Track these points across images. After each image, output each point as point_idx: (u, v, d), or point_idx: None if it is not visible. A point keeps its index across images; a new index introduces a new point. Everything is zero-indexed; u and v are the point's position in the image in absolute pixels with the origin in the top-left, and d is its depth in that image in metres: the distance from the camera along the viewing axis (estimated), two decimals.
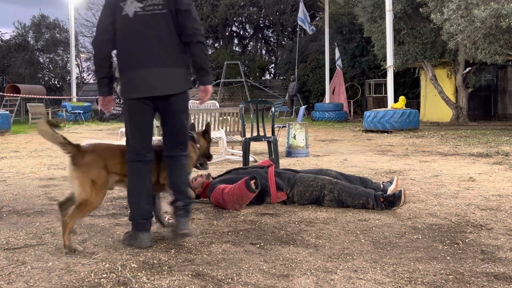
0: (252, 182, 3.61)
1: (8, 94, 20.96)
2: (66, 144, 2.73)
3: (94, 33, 2.91)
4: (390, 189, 3.95)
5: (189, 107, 3.13)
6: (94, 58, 2.96)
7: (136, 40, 2.79)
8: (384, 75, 16.45)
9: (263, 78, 30.80)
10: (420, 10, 13.52)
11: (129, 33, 2.80)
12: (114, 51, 2.94)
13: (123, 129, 7.79)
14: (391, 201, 3.67)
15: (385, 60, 14.05)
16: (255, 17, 32.57)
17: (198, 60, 2.84)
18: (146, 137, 2.88)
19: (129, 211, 2.93)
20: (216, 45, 33.63)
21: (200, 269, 2.45)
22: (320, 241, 2.93)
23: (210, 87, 2.93)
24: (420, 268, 2.45)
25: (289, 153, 7.55)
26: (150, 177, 2.90)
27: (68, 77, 27.35)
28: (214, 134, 6.98)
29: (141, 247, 2.78)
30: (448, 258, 2.60)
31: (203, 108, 9.36)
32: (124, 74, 2.84)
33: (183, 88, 2.87)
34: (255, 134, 5.89)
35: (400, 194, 3.67)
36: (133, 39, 2.80)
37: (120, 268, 2.47)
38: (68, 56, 25.69)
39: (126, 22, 2.79)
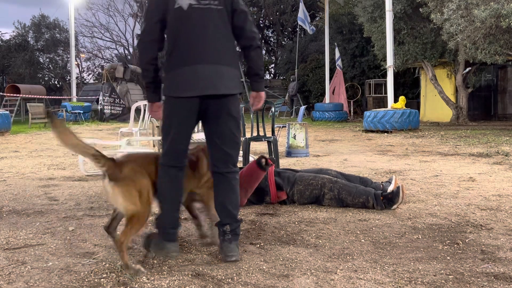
0: (263, 160, 3.49)
1: (8, 94, 20.97)
2: (99, 157, 2.46)
3: (140, 33, 2.72)
4: (390, 189, 3.95)
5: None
6: (140, 61, 2.72)
7: (190, 34, 2.54)
8: (384, 75, 16.45)
9: None
10: (420, 10, 13.52)
11: (182, 26, 2.55)
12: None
13: (123, 129, 7.83)
14: (390, 199, 3.68)
15: (385, 60, 14.05)
16: (255, 17, 32.57)
17: (254, 65, 2.66)
18: (186, 141, 2.63)
19: (156, 218, 2.69)
20: None
21: (200, 269, 2.45)
22: (320, 241, 2.93)
23: (263, 94, 2.75)
24: (420, 268, 2.45)
25: (289, 153, 7.55)
26: (183, 184, 2.68)
27: (68, 77, 27.37)
28: None
29: (168, 258, 2.59)
30: (448, 258, 2.60)
31: None
32: (173, 70, 2.57)
33: (238, 90, 2.62)
34: (255, 134, 5.89)
35: (398, 191, 3.68)
36: (186, 33, 2.55)
37: (120, 268, 2.47)
38: (68, 56, 25.71)
39: (179, 15, 2.54)
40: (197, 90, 2.51)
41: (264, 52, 35.20)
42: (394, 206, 3.69)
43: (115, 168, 2.48)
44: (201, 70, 2.52)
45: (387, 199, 3.68)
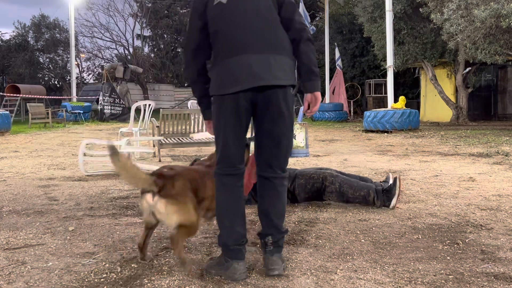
0: None
1: (8, 94, 20.97)
2: (150, 180, 2.27)
3: (183, 46, 2.67)
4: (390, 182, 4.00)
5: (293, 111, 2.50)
6: (187, 73, 2.50)
7: (231, 24, 2.30)
8: (384, 75, 16.45)
9: None
10: (420, 10, 13.53)
11: (223, 20, 2.33)
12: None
13: (123, 129, 7.83)
14: (388, 190, 3.72)
15: (385, 60, 14.05)
16: None
17: (307, 60, 2.37)
18: (242, 144, 2.36)
19: (218, 235, 2.41)
20: None
21: (201, 269, 2.45)
22: (320, 241, 2.93)
23: (319, 95, 2.42)
24: (420, 268, 2.45)
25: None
26: (243, 193, 2.40)
27: (68, 77, 27.38)
28: None
29: (234, 279, 2.28)
30: (448, 258, 2.60)
31: None
32: (216, 66, 2.34)
33: (289, 81, 2.32)
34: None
35: (396, 181, 3.74)
36: (227, 25, 2.31)
37: (120, 269, 2.47)
38: (68, 56, 25.71)
39: (220, 10, 2.33)
40: (241, 83, 2.23)
41: None
42: (394, 200, 3.70)
43: (167, 185, 2.29)
44: (245, 60, 2.25)
45: (386, 191, 3.72)
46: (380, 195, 3.71)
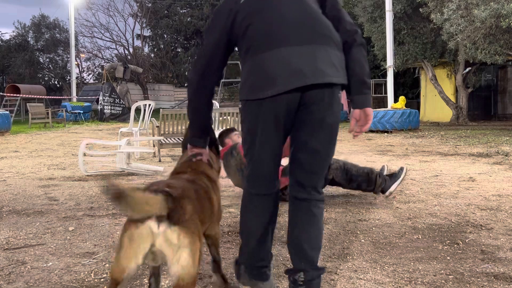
0: None
1: (8, 94, 20.97)
2: (159, 200, 1.55)
3: (195, 59, 2.04)
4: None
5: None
6: (190, 94, 2.04)
7: (269, 13, 1.88)
8: (384, 75, 16.46)
9: None
10: (420, 10, 13.53)
11: (255, 14, 1.89)
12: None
13: (123, 129, 7.83)
14: (393, 175, 3.82)
15: (385, 60, 14.05)
16: None
17: (359, 69, 1.91)
18: (275, 160, 1.95)
19: (241, 250, 2.10)
20: None
21: (200, 269, 2.45)
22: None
23: (371, 111, 1.95)
24: (420, 268, 2.45)
25: None
26: (275, 215, 2.04)
27: (68, 77, 27.37)
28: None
29: None
30: (448, 258, 2.60)
31: None
32: (248, 62, 1.89)
33: (342, 79, 1.87)
34: None
35: (403, 169, 3.86)
36: (261, 16, 1.89)
37: None
38: (68, 56, 25.71)
39: (250, 4, 1.92)
40: (281, 84, 1.78)
41: None
42: (395, 185, 3.74)
43: (177, 207, 1.61)
44: (285, 54, 1.80)
45: (391, 175, 3.83)
46: (383, 175, 3.79)
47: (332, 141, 1.91)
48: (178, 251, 1.56)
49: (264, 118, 1.85)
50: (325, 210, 3.74)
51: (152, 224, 1.54)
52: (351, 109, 1.99)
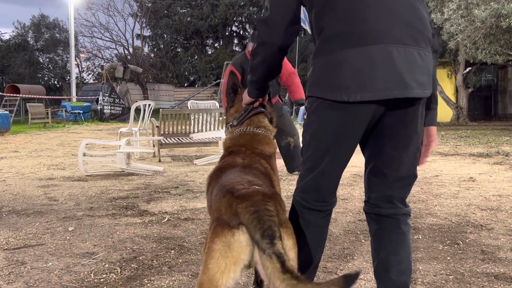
0: None
1: (8, 94, 20.96)
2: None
3: (263, 15, 1.67)
4: None
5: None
6: (267, 60, 1.70)
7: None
8: None
9: None
10: None
11: None
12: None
13: (123, 129, 7.83)
14: None
15: None
16: (255, 17, 32.57)
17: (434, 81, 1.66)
18: (341, 173, 1.72)
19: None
20: (216, 45, 33.65)
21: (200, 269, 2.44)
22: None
23: (435, 131, 1.75)
24: (420, 268, 2.45)
25: None
26: (326, 236, 1.79)
27: (68, 77, 27.37)
28: (214, 134, 6.99)
29: None
30: (448, 258, 2.60)
31: (203, 108, 9.37)
32: (327, 55, 1.55)
33: (431, 89, 1.60)
34: None
35: None
36: None
37: (119, 269, 2.46)
38: (68, 56, 25.71)
39: None
40: (380, 89, 1.48)
41: None
42: None
43: (277, 206, 1.39)
44: (380, 54, 1.48)
45: None
46: None
47: (418, 151, 1.68)
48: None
49: (342, 125, 1.57)
50: None
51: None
52: None
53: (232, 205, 1.34)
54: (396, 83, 1.48)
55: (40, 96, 21.51)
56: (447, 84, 16.87)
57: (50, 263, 2.57)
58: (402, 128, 1.61)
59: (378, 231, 1.72)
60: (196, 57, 31.67)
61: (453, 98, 16.54)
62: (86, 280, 2.33)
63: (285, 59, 5.15)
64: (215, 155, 6.82)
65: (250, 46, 4.86)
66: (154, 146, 7.58)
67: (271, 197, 1.39)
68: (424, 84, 1.53)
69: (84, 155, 5.78)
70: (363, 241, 2.92)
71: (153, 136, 7.64)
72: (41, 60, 30.37)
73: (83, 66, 33.34)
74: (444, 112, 16.54)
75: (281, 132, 5.14)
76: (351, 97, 1.49)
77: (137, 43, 33.53)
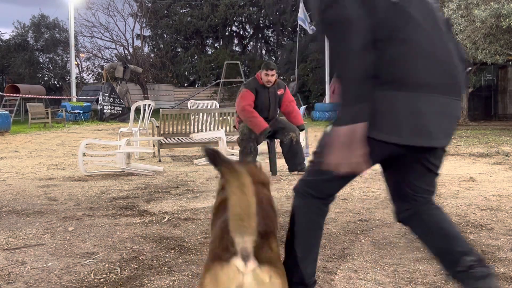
0: None
1: (8, 94, 20.96)
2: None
3: (340, 33, 1.51)
4: None
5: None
6: (350, 73, 1.48)
7: (425, 41, 1.52)
8: None
9: None
10: None
11: (414, 23, 1.51)
12: None
13: (123, 129, 7.83)
14: None
15: None
16: (255, 17, 32.58)
17: None
18: (350, 180, 1.79)
19: (289, 270, 1.69)
20: (216, 45, 33.66)
21: (200, 269, 2.44)
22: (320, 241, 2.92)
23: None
24: (420, 268, 2.45)
25: None
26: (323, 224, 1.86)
27: (68, 77, 27.36)
28: (214, 134, 6.99)
29: None
30: None
31: (202, 108, 9.38)
32: (379, 91, 1.50)
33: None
34: None
35: None
36: (425, 35, 1.52)
37: (119, 269, 2.46)
38: (68, 56, 25.69)
39: (400, 10, 1.51)
40: (432, 137, 1.53)
41: (264, 52, 35.20)
42: None
43: (265, 243, 1.41)
44: (422, 103, 1.50)
45: None
46: None
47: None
48: None
49: (373, 158, 1.56)
50: None
51: (238, 262, 1.32)
52: None
53: (223, 239, 1.39)
54: (441, 132, 1.56)
55: (40, 96, 21.50)
56: None
57: (50, 263, 2.57)
58: (422, 167, 1.70)
59: (426, 214, 1.79)
60: (196, 57, 31.67)
61: None
62: (86, 280, 2.33)
63: (287, 89, 5.60)
64: None
65: (262, 73, 5.35)
66: (154, 146, 7.58)
67: (262, 236, 1.40)
68: (451, 134, 1.62)
69: (84, 155, 5.78)
70: (363, 241, 2.92)
71: (153, 136, 7.64)
72: (41, 60, 30.37)
73: (83, 66, 33.33)
74: None
75: (282, 130, 5.46)
76: (378, 135, 1.52)
77: (137, 43, 33.54)
